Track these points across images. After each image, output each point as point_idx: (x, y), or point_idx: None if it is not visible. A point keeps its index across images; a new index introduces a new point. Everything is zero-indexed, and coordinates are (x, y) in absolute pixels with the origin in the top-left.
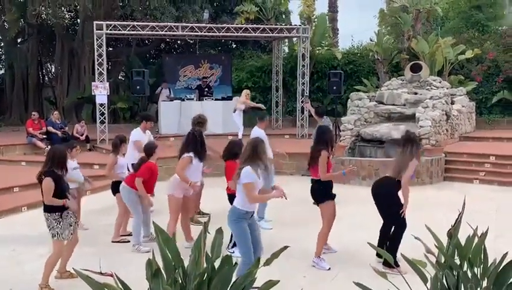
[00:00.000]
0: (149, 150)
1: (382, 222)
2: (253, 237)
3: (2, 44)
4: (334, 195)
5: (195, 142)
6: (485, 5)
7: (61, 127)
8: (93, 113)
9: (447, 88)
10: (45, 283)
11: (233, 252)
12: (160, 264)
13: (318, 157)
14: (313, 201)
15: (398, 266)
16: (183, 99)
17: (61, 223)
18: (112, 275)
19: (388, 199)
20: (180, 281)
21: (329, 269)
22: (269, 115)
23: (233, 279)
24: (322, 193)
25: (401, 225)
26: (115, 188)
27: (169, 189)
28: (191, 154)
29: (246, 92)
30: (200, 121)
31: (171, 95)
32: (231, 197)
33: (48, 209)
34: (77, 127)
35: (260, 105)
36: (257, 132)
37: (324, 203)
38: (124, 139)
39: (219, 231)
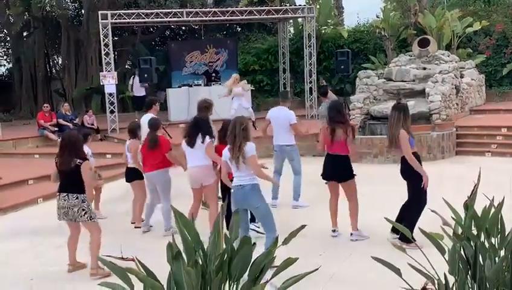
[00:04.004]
0: (155, 124)
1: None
2: None
3: (8, 38)
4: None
5: (207, 126)
6: None
7: (72, 119)
8: (102, 103)
9: (456, 62)
10: (96, 265)
11: (259, 227)
12: (180, 247)
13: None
14: (326, 180)
15: (414, 241)
16: (191, 86)
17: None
18: (133, 260)
19: (404, 175)
20: (201, 263)
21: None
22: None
23: (253, 258)
24: (351, 168)
25: (419, 200)
26: (130, 175)
27: (204, 180)
28: (212, 139)
29: (234, 76)
30: (206, 106)
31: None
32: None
33: (82, 190)
34: (86, 118)
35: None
36: (284, 111)
37: (353, 179)
38: (140, 125)
39: (236, 213)
